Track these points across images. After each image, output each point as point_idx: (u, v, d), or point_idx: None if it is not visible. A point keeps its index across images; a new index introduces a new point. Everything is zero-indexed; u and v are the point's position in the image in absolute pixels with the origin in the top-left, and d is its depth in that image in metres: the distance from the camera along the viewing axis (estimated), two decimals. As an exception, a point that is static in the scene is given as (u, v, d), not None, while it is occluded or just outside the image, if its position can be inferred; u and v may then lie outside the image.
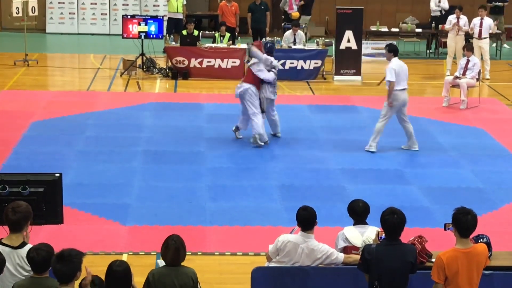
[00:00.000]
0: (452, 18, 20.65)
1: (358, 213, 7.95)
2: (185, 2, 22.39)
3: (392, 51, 13.60)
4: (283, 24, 22.93)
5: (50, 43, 24.85)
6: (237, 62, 19.63)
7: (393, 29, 23.71)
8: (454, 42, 20.48)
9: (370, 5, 26.10)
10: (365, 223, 7.96)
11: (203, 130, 15.04)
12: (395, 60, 13.49)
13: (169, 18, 21.99)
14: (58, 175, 7.49)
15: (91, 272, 6.41)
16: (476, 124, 15.87)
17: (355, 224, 7.97)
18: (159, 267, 6.88)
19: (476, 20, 20.20)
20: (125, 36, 19.97)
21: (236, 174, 12.50)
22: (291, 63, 19.73)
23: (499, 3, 24.22)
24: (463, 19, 20.54)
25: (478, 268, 6.79)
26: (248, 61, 14.28)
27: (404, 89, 13.50)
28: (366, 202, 8.02)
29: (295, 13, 23.01)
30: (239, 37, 21.74)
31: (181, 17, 22.21)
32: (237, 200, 11.53)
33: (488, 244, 7.70)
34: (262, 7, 22.56)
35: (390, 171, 12.93)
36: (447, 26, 20.80)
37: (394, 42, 22.83)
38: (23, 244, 6.62)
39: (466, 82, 17.02)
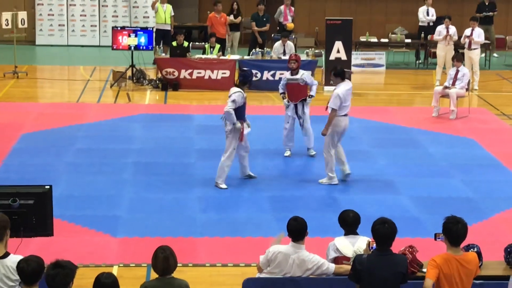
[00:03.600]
0: (441, 29, 20.71)
1: (348, 223, 7.95)
2: (173, 13, 22.39)
3: (338, 75, 12.50)
4: (272, 35, 22.98)
5: (40, 55, 24.83)
6: (227, 73, 19.65)
7: (382, 40, 23.81)
8: (444, 52, 20.54)
9: (359, 16, 26.18)
10: (356, 233, 7.96)
11: (194, 141, 15.04)
12: (343, 85, 12.42)
13: (157, 29, 21.97)
14: (48, 187, 7.48)
15: None
16: (466, 134, 15.91)
17: (346, 234, 7.97)
18: (152, 279, 6.85)
19: (467, 31, 20.26)
20: (115, 47, 19.98)
21: (227, 185, 12.48)
22: (281, 73, 19.64)
23: (490, 13, 24.34)
24: (452, 29, 20.62)
25: (469, 276, 6.81)
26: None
27: (346, 115, 12.51)
28: (356, 213, 8.02)
29: (290, 24, 23.07)
30: (228, 48, 21.79)
31: (169, 28, 22.20)
32: (228, 211, 11.52)
33: (479, 254, 7.72)
34: (264, 19, 22.61)
35: (381, 181, 12.95)
36: (436, 36, 20.86)
37: (384, 53, 23.08)
38: (6, 254, 6.60)
39: (456, 92, 17.07)
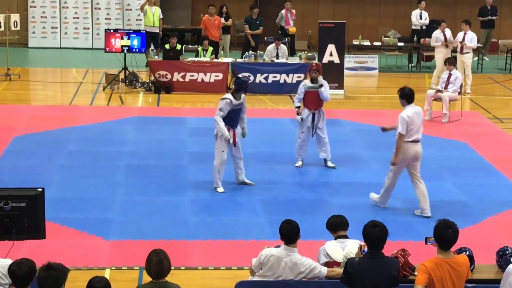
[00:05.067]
0: (438, 34, 20.69)
1: (334, 226, 8.01)
2: (161, 16, 22.38)
3: (403, 97, 11.39)
4: (265, 38, 23.01)
5: (32, 58, 24.78)
6: (220, 76, 19.64)
7: (375, 43, 23.83)
8: (443, 55, 20.48)
9: (352, 19, 26.23)
10: (346, 237, 7.99)
11: (186, 144, 15.04)
12: (409, 108, 11.34)
13: (146, 32, 21.90)
14: (40, 189, 7.47)
15: None
16: (458, 137, 15.94)
17: (335, 238, 8.00)
18: (145, 283, 6.84)
19: (459, 35, 20.30)
20: (107, 50, 19.95)
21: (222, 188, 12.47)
22: (274, 76, 19.78)
23: (494, 17, 24.39)
24: (448, 32, 20.68)
25: (460, 279, 6.83)
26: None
27: (416, 141, 11.39)
28: (341, 215, 8.08)
29: (292, 28, 23.12)
30: (221, 51, 21.79)
31: (158, 30, 22.21)
32: (220, 214, 11.52)
33: (471, 257, 7.73)
34: (258, 22, 22.63)
35: (373, 184, 12.94)
36: (434, 42, 20.81)
37: (376, 56, 23.08)
38: None
39: (448, 95, 17.10)
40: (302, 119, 13.52)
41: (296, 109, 13.62)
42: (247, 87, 12.55)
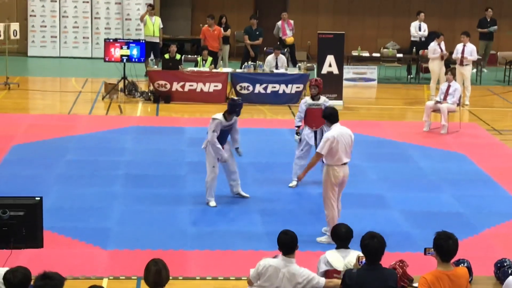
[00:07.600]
0: (435, 46, 20.69)
1: (341, 238, 7.98)
2: (161, 26, 22.42)
3: (326, 117, 10.78)
4: (265, 48, 23.03)
5: (32, 67, 24.81)
6: (219, 86, 19.66)
7: (374, 54, 23.87)
8: (439, 67, 20.53)
9: (351, 30, 26.24)
10: (348, 248, 7.98)
11: (185, 154, 15.03)
12: (335, 128, 10.65)
13: (146, 42, 21.93)
14: (39, 198, 7.47)
15: None
16: (457, 149, 15.95)
17: (337, 248, 7.99)
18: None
19: (458, 47, 20.32)
20: (107, 59, 19.97)
21: (217, 198, 12.45)
22: (273, 87, 19.79)
23: (493, 29, 24.40)
24: (443, 45, 20.69)
25: (460, 291, 6.82)
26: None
27: (344, 164, 10.72)
28: (349, 227, 8.05)
29: (289, 38, 23.15)
30: (221, 61, 21.80)
31: (158, 40, 22.25)
32: (219, 224, 11.51)
33: (469, 269, 7.73)
34: (257, 33, 22.67)
35: (371, 195, 12.95)
36: (431, 54, 20.78)
37: (375, 68, 23.09)
38: None
39: (447, 107, 17.12)
40: (300, 139, 13.25)
41: (296, 128, 13.29)
42: (239, 110, 12.27)
